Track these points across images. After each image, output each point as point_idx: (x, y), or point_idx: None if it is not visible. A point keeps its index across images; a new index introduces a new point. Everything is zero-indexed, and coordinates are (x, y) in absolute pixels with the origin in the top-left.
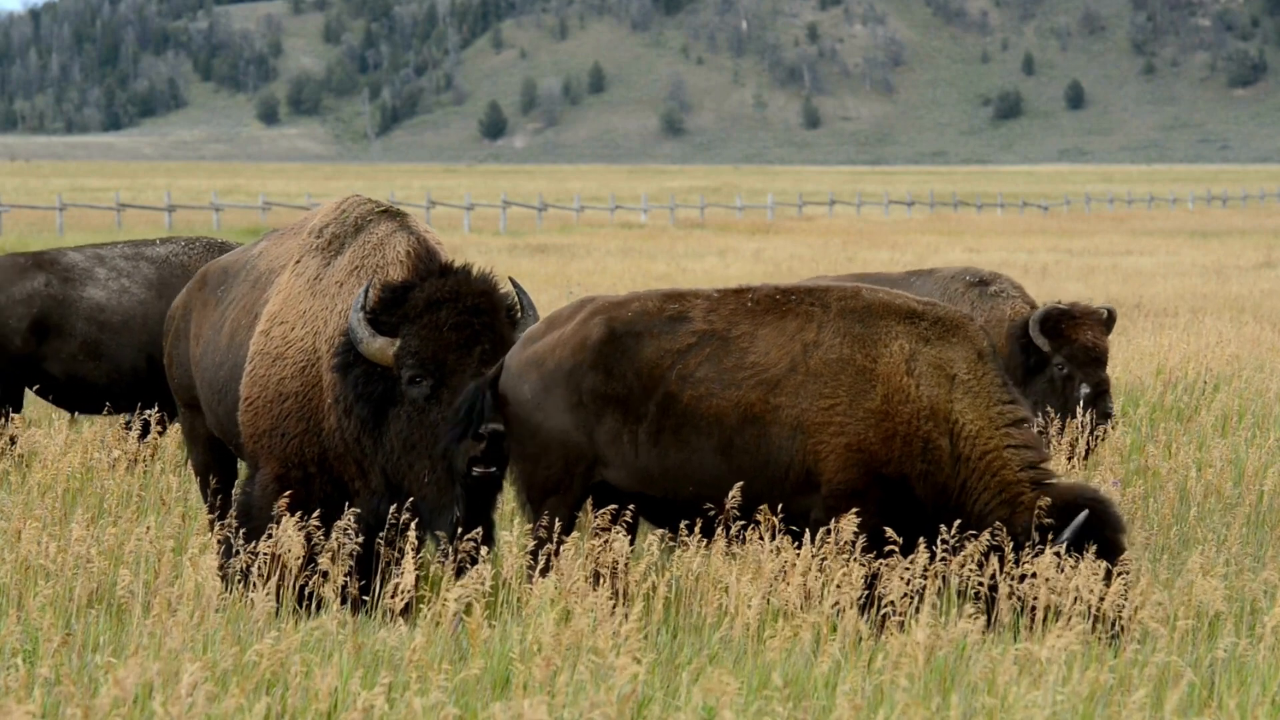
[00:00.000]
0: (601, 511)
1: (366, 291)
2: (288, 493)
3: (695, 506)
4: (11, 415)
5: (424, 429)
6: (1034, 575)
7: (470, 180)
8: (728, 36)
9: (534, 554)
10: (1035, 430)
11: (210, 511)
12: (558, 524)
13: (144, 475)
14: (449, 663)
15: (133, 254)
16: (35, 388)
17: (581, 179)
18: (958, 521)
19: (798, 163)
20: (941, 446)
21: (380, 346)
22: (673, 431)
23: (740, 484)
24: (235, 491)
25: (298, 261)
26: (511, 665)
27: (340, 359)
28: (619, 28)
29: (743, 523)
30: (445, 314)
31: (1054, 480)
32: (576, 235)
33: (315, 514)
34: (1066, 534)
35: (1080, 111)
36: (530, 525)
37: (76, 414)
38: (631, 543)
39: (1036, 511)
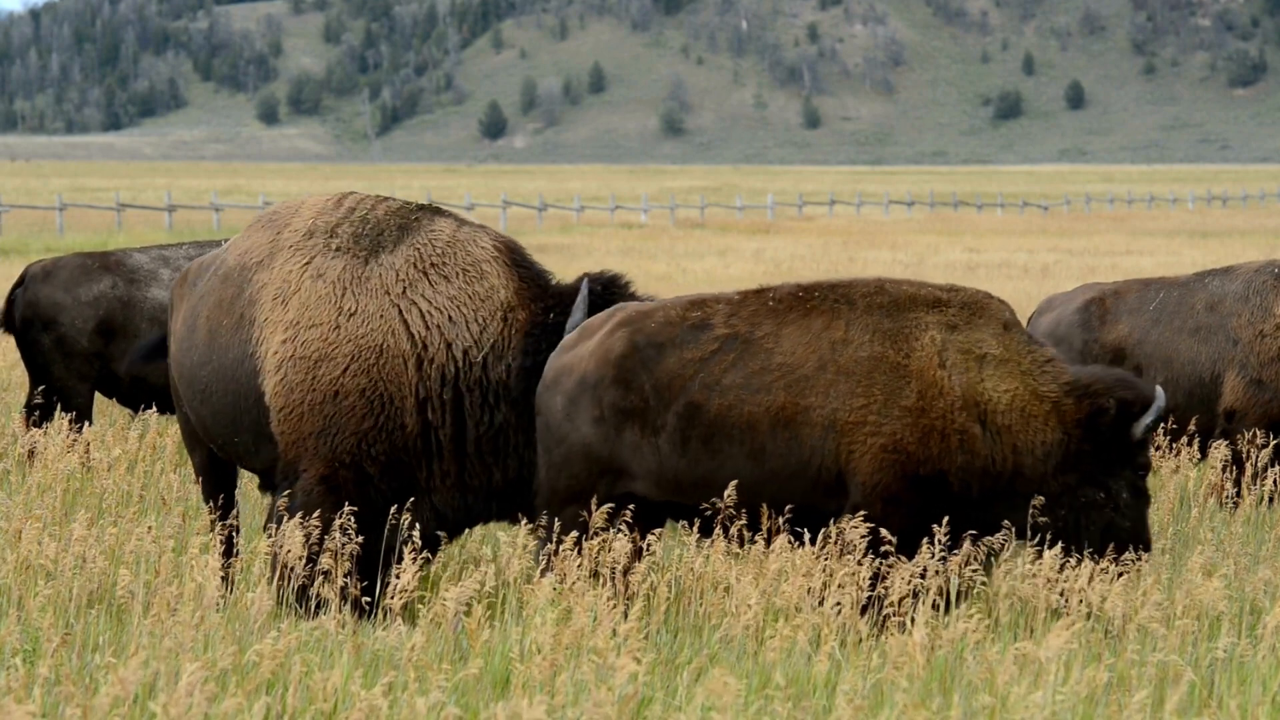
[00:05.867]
0: (599, 511)
1: (608, 294)
2: (335, 494)
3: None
4: (30, 415)
5: None
6: (1034, 575)
7: (470, 180)
8: (728, 36)
9: (535, 555)
10: (1062, 362)
11: (212, 513)
12: (557, 525)
13: (144, 475)
14: (449, 663)
15: (197, 255)
16: (101, 387)
17: (581, 179)
18: (1018, 480)
19: (798, 163)
20: (974, 433)
21: None
22: (701, 440)
23: (772, 488)
24: (234, 495)
25: (307, 263)
26: (511, 665)
27: (532, 359)
28: (619, 28)
29: (745, 524)
30: None
31: (1077, 371)
32: (577, 235)
33: (367, 511)
34: (1150, 417)
35: (1080, 111)
36: (537, 527)
37: (139, 410)
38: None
39: (1091, 401)
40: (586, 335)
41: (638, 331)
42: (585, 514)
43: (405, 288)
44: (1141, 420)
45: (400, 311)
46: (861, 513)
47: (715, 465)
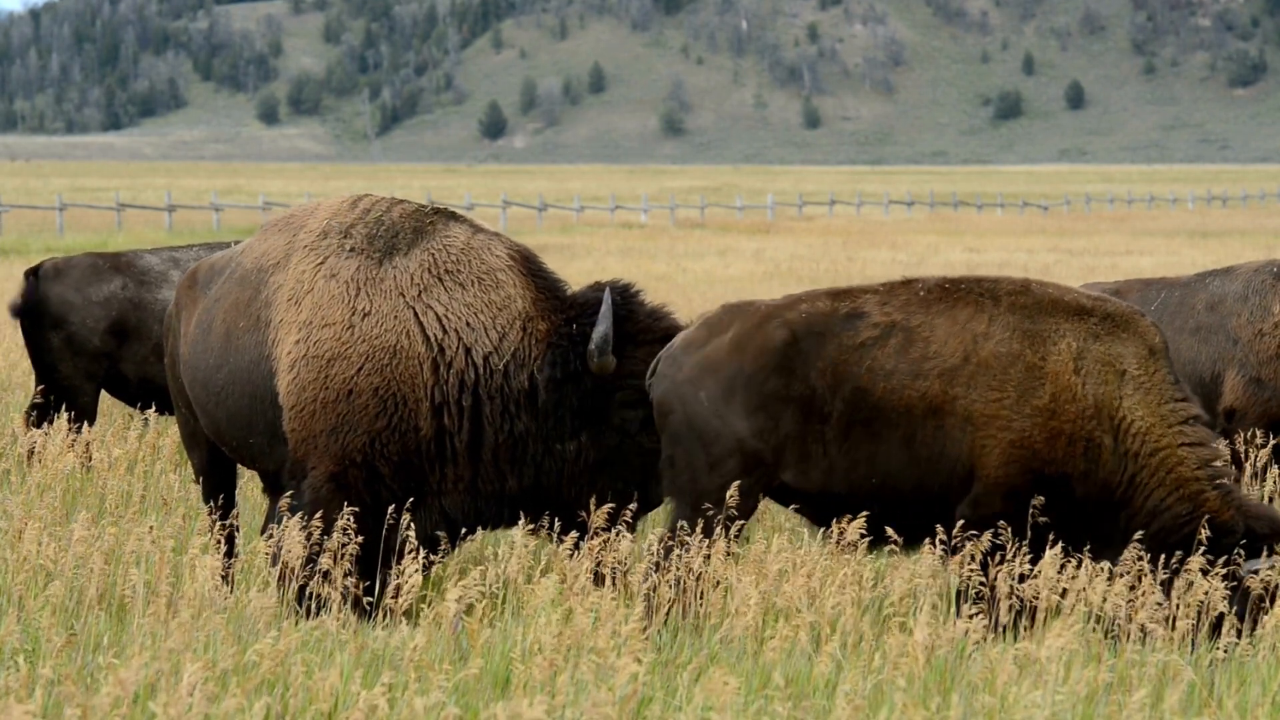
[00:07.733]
0: (599, 510)
1: (628, 305)
2: (344, 492)
3: (874, 502)
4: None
5: (621, 453)
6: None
7: (470, 180)
8: (728, 36)
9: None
10: (1208, 429)
11: (212, 513)
12: (702, 522)
13: (144, 475)
14: (449, 663)
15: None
16: (108, 386)
17: (581, 179)
18: (1126, 514)
19: (798, 163)
20: (1105, 444)
21: (611, 360)
22: (863, 425)
23: (916, 477)
24: (228, 495)
25: (321, 264)
26: (512, 665)
27: (560, 370)
28: (619, 28)
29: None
30: None
31: (1231, 482)
32: (577, 235)
33: (375, 511)
34: (1262, 565)
35: (1080, 111)
36: (539, 527)
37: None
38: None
39: (1235, 520)
40: (718, 330)
41: (792, 321)
42: (735, 509)
43: (420, 291)
44: (1253, 562)
45: (416, 314)
46: (976, 507)
47: (873, 450)
